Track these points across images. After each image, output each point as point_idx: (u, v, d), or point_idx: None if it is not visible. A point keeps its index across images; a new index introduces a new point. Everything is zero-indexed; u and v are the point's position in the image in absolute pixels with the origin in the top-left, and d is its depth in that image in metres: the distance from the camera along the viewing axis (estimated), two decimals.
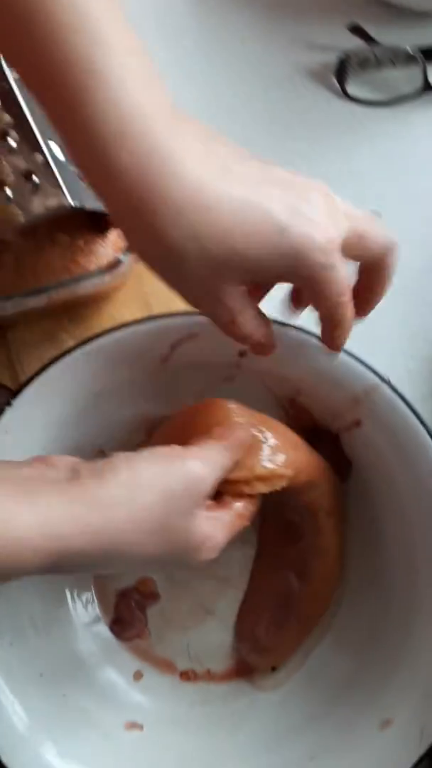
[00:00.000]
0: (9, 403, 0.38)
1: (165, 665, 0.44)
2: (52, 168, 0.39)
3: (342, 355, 0.39)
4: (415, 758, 0.36)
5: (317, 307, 0.30)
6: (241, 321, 0.28)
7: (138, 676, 0.44)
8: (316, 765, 0.38)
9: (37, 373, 0.39)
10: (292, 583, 0.41)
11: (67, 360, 0.39)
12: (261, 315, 0.31)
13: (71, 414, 0.40)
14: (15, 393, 0.38)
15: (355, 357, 0.39)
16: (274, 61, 0.52)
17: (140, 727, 0.42)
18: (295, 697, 0.43)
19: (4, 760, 0.36)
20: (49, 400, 0.39)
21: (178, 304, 0.47)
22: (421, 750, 0.36)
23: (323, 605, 0.42)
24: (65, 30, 0.23)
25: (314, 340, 0.39)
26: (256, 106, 0.51)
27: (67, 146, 0.25)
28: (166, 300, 0.47)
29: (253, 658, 0.43)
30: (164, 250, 0.23)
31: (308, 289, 0.27)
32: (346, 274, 0.27)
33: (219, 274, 0.24)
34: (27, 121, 0.39)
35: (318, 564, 0.41)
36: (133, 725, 0.41)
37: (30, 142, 0.39)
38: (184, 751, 0.41)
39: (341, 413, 0.41)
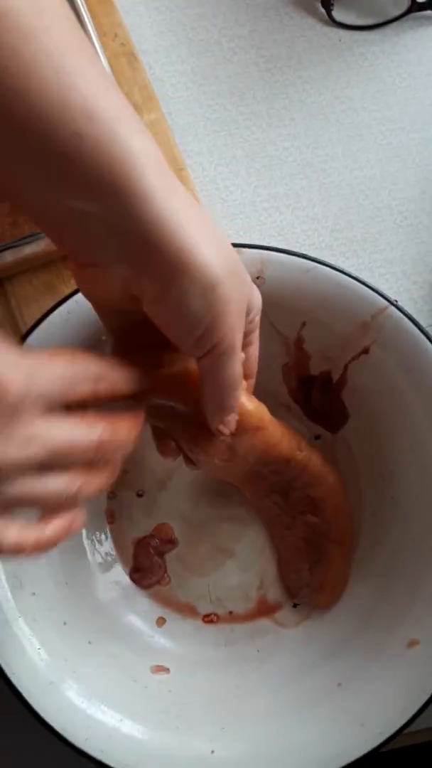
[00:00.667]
0: None
1: (187, 610, 0.44)
2: None
3: (348, 281, 0.39)
4: None
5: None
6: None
7: (161, 621, 0.44)
8: (344, 690, 0.38)
9: (40, 321, 0.39)
10: (311, 520, 0.41)
11: (68, 305, 0.39)
12: None
13: None
14: (20, 341, 0.38)
15: (361, 281, 0.39)
16: None
17: (167, 670, 0.42)
18: (319, 629, 0.43)
19: (36, 709, 0.36)
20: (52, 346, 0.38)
21: None
22: None
23: (346, 518, 0.42)
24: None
25: (320, 267, 0.39)
26: (242, 38, 0.50)
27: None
28: None
29: (315, 600, 0.42)
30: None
31: (246, 341, 0.33)
32: None
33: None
34: None
35: (320, 491, 0.40)
36: (160, 668, 0.41)
37: None
38: (212, 690, 0.41)
39: (350, 342, 0.40)
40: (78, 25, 0.25)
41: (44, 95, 0.23)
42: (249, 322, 0.31)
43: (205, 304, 0.26)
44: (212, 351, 0.28)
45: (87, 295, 0.29)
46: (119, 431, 0.29)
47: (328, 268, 0.39)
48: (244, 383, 0.34)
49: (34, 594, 0.38)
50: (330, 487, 0.40)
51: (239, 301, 0.28)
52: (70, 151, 0.23)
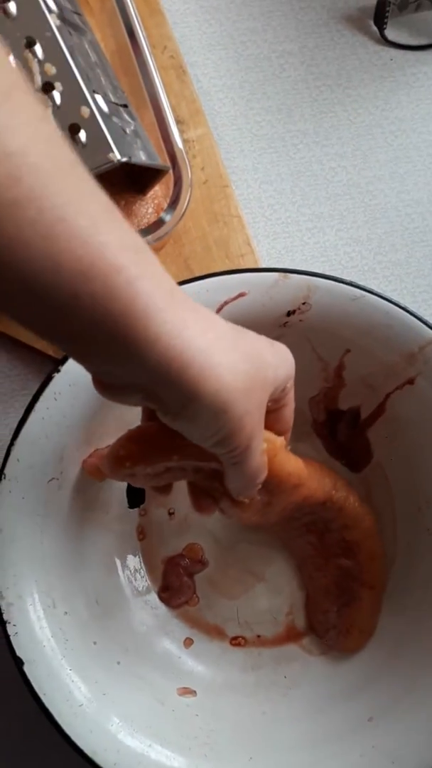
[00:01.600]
0: (57, 370, 0.37)
1: (215, 631, 0.44)
2: (99, 122, 0.37)
3: (396, 310, 0.38)
4: None
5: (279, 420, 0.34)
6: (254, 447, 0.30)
7: (188, 642, 0.43)
8: (375, 725, 0.38)
9: None
10: (344, 563, 0.40)
11: None
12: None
13: None
14: (63, 360, 0.37)
15: (409, 311, 0.38)
16: (309, 7, 0.49)
17: (193, 692, 0.41)
18: (348, 660, 0.42)
19: (67, 731, 0.36)
20: None
21: (218, 266, 0.46)
22: None
23: (380, 563, 0.41)
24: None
25: (368, 296, 0.38)
26: (292, 55, 0.49)
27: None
28: (207, 262, 0.46)
29: (342, 643, 0.42)
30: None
31: (279, 405, 0.33)
32: None
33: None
34: (72, 71, 0.37)
35: (357, 534, 0.40)
36: (187, 691, 0.41)
37: (75, 95, 0.37)
38: (239, 716, 0.41)
39: (394, 371, 0.40)
40: (73, 157, 0.23)
41: (32, 265, 0.22)
42: (281, 391, 0.31)
43: (214, 426, 0.26)
44: (228, 454, 0.28)
45: (103, 395, 0.29)
46: None
47: (376, 297, 0.38)
48: (282, 440, 0.33)
49: (66, 613, 0.38)
50: (366, 531, 0.40)
51: (255, 409, 0.28)
52: (68, 309, 0.23)
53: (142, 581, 0.44)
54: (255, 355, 0.28)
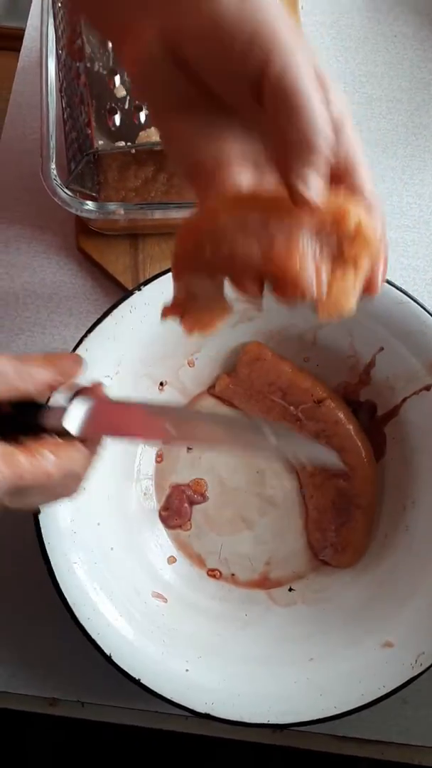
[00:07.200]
0: (139, 288, 0.44)
1: (197, 559, 0.49)
2: None
3: (430, 321, 0.44)
4: (405, 679, 0.41)
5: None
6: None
7: (172, 560, 0.49)
8: (314, 664, 0.43)
9: (164, 273, 0.45)
10: (340, 485, 0.47)
11: None
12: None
13: None
14: (145, 282, 0.44)
15: None
16: (427, 68, 0.57)
17: (165, 599, 0.46)
18: (306, 616, 0.47)
19: (57, 575, 0.41)
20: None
21: None
22: (413, 673, 0.41)
23: (372, 486, 0.48)
24: None
25: (413, 303, 0.44)
26: (401, 102, 0.57)
27: None
28: None
29: (337, 559, 0.48)
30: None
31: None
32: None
33: None
34: None
35: (352, 459, 0.47)
36: (159, 596, 0.46)
37: None
38: (197, 629, 0.46)
39: (416, 377, 0.46)
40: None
41: None
42: None
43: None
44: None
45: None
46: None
47: (418, 306, 0.45)
48: None
49: (84, 488, 0.44)
50: (362, 459, 0.46)
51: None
52: None
53: (150, 499, 0.50)
54: None
